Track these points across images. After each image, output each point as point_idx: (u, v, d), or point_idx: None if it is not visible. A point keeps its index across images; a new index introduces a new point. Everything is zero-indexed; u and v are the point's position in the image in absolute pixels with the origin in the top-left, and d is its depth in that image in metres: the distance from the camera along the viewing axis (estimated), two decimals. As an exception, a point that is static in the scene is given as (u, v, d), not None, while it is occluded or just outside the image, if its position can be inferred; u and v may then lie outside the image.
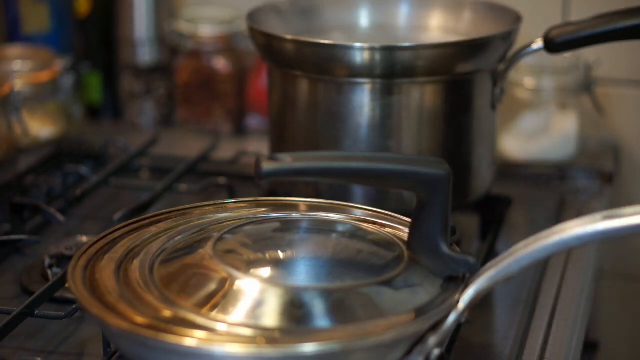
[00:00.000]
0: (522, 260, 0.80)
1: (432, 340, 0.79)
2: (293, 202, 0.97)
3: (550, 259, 1.13)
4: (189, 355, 0.77)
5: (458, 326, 0.94)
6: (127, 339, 0.79)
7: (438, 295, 0.83)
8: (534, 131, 1.40)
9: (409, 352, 0.79)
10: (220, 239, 0.87)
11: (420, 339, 0.79)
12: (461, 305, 0.81)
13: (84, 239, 1.11)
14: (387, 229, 0.93)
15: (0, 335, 0.92)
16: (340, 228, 0.92)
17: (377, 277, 0.83)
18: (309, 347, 0.77)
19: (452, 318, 0.80)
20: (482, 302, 1.04)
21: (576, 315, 1.03)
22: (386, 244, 0.89)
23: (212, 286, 0.83)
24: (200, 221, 0.94)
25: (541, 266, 1.12)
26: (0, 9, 1.53)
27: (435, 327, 0.80)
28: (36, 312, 0.96)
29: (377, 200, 1.08)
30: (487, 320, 1.03)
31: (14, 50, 1.49)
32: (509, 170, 1.35)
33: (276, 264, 0.86)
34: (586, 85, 1.39)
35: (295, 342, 0.77)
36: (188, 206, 0.96)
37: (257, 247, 0.89)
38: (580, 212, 1.26)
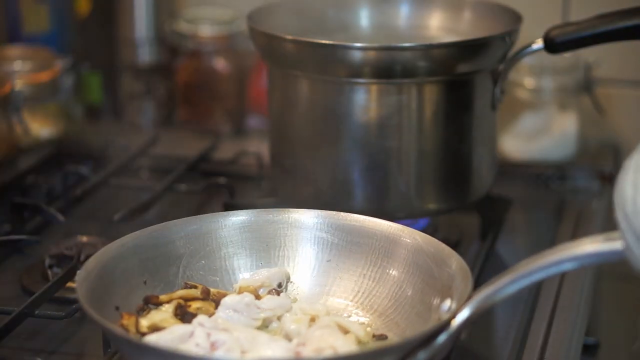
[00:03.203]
0: (520, 282, 0.78)
1: (422, 356, 0.78)
2: None
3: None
4: None
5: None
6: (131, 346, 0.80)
7: None
8: (534, 131, 1.40)
9: None
10: None
11: (410, 353, 0.78)
12: (455, 323, 0.80)
13: (84, 239, 1.11)
14: None
15: (0, 335, 0.93)
16: None
17: None
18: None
19: (443, 337, 0.79)
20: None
21: (576, 315, 1.03)
22: None
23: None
24: None
25: (541, 266, 1.12)
26: (0, 9, 1.53)
27: (428, 342, 0.79)
28: (36, 312, 0.96)
29: (378, 200, 1.08)
30: (487, 321, 1.03)
31: (14, 50, 1.49)
32: (509, 170, 1.34)
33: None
34: (586, 86, 1.39)
35: None
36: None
37: None
38: (580, 212, 1.26)
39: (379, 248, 0.92)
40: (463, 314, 0.80)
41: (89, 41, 1.54)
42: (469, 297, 0.80)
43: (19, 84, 1.41)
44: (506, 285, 0.79)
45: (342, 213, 0.95)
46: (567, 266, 0.77)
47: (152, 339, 0.81)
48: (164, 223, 0.93)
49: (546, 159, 1.38)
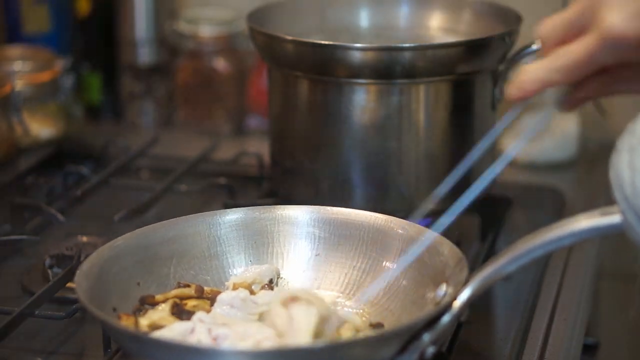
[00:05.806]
0: (520, 259, 0.80)
1: (427, 337, 0.79)
2: None
3: (550, 259, 1.13)
4: (202, 355, 0.77)
5: (458, 326, 0.94)
6: (137, 340, 0.80)
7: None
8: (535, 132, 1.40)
9: (404, 349, 0.79)
10: None
11: (415, 336, 0.79)
12: (457, 304, 0.81)
13: (84, 239, 1.11)
14: None
15: (0, 336, 0.93)
16: None
17: None
18: (303, 344, 0.78)
19: (447, 317, 0.80)
20: (481, 303, 1.05)
21: (576, 315, 1.03)
22: None
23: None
24: None
25: (541, 266, 1.12)
26: (0, 9, 1.53)
27: (431, 325, 0.80)
28: (37, 312, 0.96)
29: (377, 199, 1.08)
30: (487, 321, 1.03)
31: (14, 50, 1.49)
32: (509, 170, 1.34)
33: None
34: (586, 86, 1.39)
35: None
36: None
37: None
38: (579, 212, 1.26)
39: (367, 239, 0.94)
40: (464, 294, 0.81)
41: (89, 41, 1.54)
42: (466, 280, 0.81)
43: (19, 84, 1.41)
44: (506, 264, 0.80)
45: (327, 207, 0.96)
46: (566, 242, 0.78)
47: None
48: (152, 225, 0.94)
49: (547, 159, 1.38)
